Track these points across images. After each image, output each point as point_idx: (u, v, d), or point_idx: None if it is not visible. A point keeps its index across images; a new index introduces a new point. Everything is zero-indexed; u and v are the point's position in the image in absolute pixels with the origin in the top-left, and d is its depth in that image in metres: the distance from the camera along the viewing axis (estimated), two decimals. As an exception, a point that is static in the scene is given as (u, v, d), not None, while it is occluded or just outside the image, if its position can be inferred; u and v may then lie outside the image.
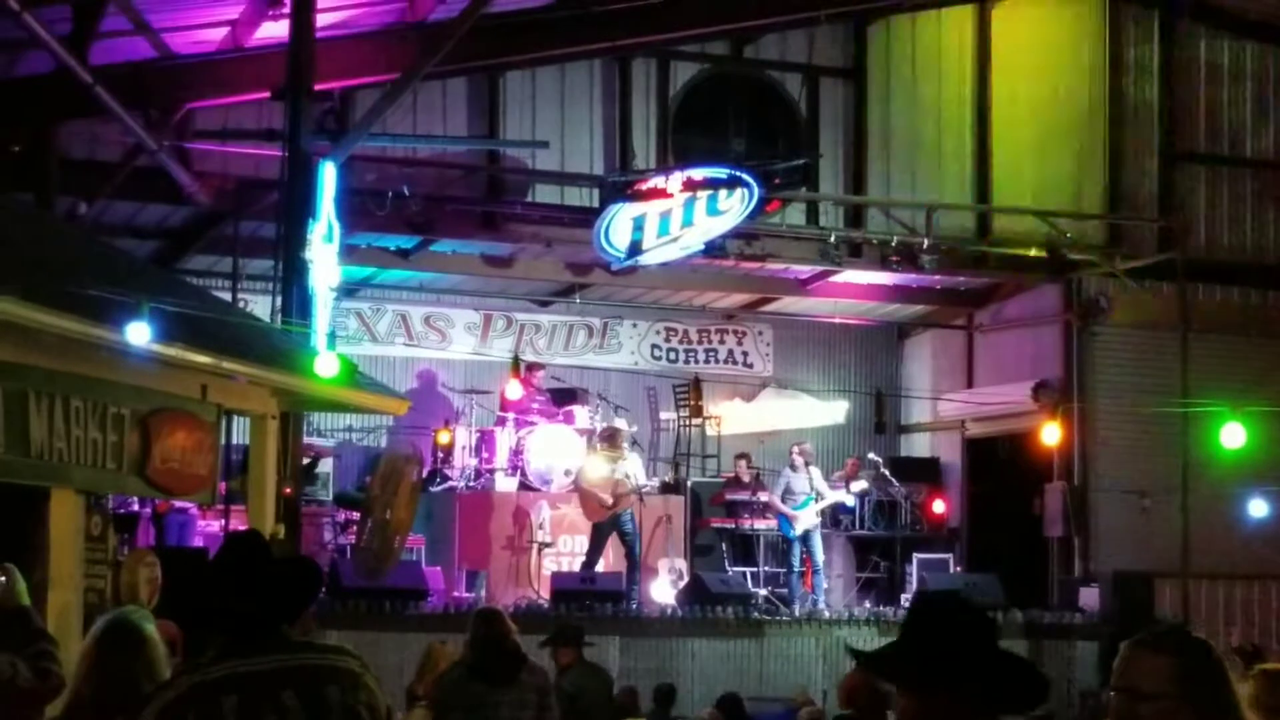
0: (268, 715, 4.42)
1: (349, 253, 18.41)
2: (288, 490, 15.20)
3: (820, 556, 20.93)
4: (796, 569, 20.79)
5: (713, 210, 19.81)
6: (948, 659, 3.70)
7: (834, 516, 22.18)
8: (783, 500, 20.82)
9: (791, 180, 21.78)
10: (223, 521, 16.73)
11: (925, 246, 21.13)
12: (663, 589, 20.21)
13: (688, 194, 19.74)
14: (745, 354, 24.97)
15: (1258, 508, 20.69)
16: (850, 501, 21.84)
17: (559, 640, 13.59)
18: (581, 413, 21.59)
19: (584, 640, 13.83)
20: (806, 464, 21.11)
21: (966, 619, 3.79)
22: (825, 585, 21.15)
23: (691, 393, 23.39)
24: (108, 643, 5.74)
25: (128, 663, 5.65)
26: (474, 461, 21.06)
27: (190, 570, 5.49)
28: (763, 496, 21.79)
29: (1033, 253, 21.99)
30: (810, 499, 20.80)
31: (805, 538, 20.79)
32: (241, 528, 14.64)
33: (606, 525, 19.71)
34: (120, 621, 5.83)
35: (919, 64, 22.91)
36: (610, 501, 19.56)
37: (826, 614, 20.08)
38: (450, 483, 20.97)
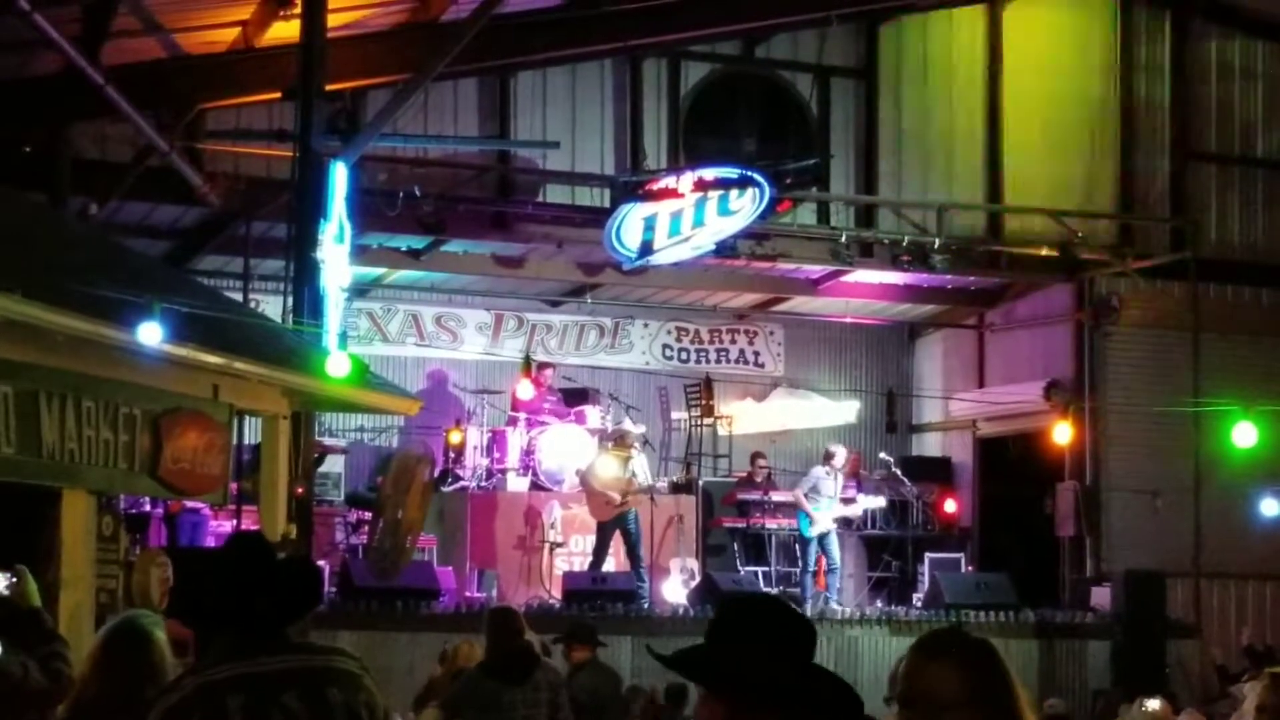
0: (273, 716, 4.43)
1: (360, 253, 18.42)
2: (300, 490, 15.21)
3: (837, 557, 20.93)
4: (810, 568, 20.79)
5: (724, 210, 19.80)
6: (762, 665, 3.52)
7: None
8: (807, 497, 20.82)
9: (802, 180, 21.79)
10: (235, 522, 16.75)
11: (936, 246, 21.11)
12: (674, 589, 20.21)
13: (699, 194, 19.73)
14: (756, 354, 24.96)
15: (1269, 507, 20.66)
16: (869, 504, 21.75)
17: (574, 638, 13.60)
18: (593, 413, 21.60)
19: (598, 639, 13.85)
20: (841, 469, 21.10)
21: (785, 624, 3.62)
22: (838, 585, 21.15)
23: (703, 392, 23.41)
24: (114, 645, 5.73)
25: (132, 665, 5.63)
26: (485, 461, 21.06)
27: (195, 571, 5.45)
28: (775, 496, 21.79)
29: (1044, 252, 21.96)
30: (832, 503, 20.80)
31: (822, 539, 20.79)
32: (252, 528, 14.67)
33: (611, 524, 19.74)
34: (129, 624, 5.81)
35: (930, 64, 22.90)
36: (619, 500, 19.59)
37: (838, 613, 20.07)
38: (462, 483, 20.98)
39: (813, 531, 20.69)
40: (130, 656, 5.66)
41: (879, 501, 21.75)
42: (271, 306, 18.93)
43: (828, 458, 21.19)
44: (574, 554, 20.41)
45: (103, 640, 5.77)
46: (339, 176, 16.14)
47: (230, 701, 4.40)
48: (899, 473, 22.58)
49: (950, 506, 23.37)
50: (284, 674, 4.48)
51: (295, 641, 4.63)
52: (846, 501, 21.21)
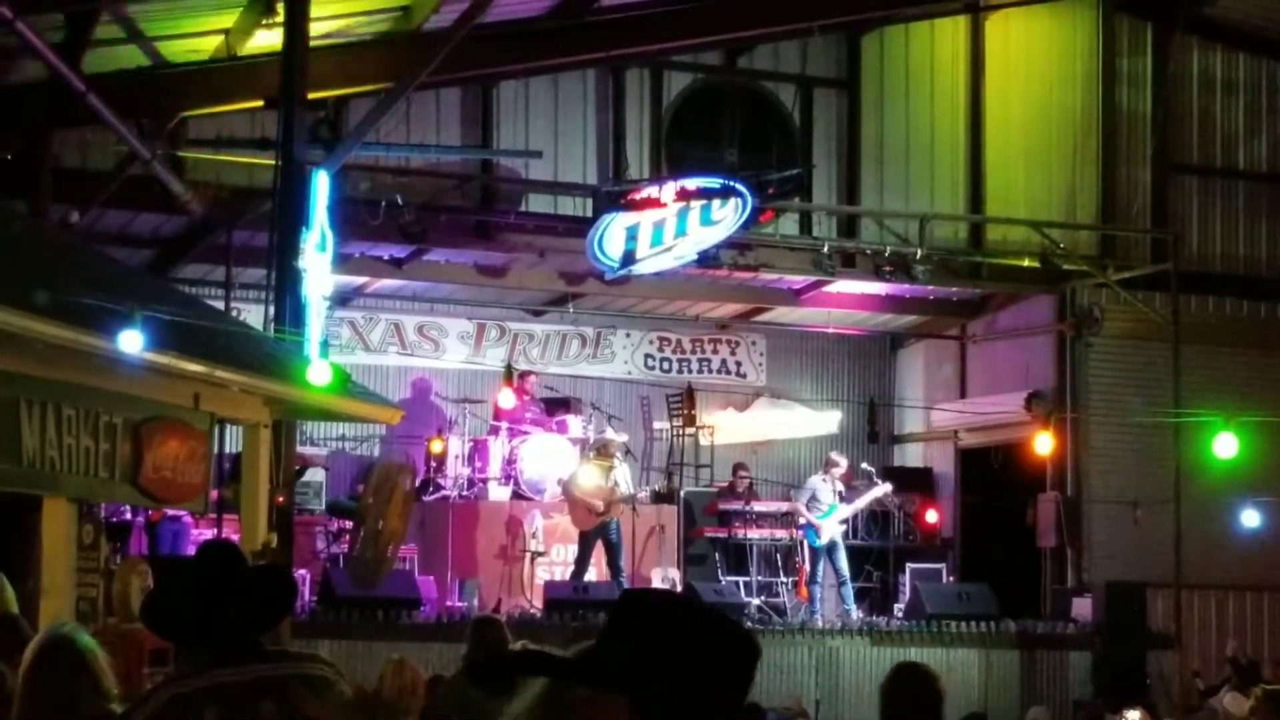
0: (248, 726, 4.41)
1: (342, 262, 18.40)
2: (280, 499, 15.18)
3: (845, 569, 20.87)
4: (819, 579, 20.78)
5: (706, 220, 19.82)
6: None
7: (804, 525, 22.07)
8: (807, 507, 20.81)
9: (785, 190, 21.80)
10: (215, 530, 16.72)
11: (918, 257, 21.15)
12: (656, 599, 20.16)
13: (681, 204, 19.74)
14: (738, 364, 24.98)
15: (1250, 518, 20.71)
16: (876, 493, 21.57)
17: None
18: (575, 422, 21.60)
19: None
20: (841, 475, 21.10)
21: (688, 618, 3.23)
22: (850, 595, 21.03)
23: (685, 402, 23.40)
24: (44, 661, 5.43)
25: (67, 681, 5.43)
26: (467, 470, 21.06)
27: (167, 579, 5.22)
28: (756, 506, 21.81)
29: (1026, 263, 22.01)
30: (834, 508, 20.79)
31: (830, 550, 20.76)
32: (225, 536, 14.64)
33: (593, 533, 19.74)
34: (53, 637, 5.59)
35: (912, 75, 22.94)
36: (601, 509, 19.59)
37: (820, 624, 20.07)
38: (443, 492, 20.97)
39: (821, 541, 20.68)
40: (64, 671, 5.39)
41: (885, 488, 21.65)
42: (253, 315, 18.89)
43: (829, 465, 21.16)
44: (555, 563, 20.41)
45: (33, 657, 5.47)
46: (321, 185, 16.11)
47: (205, 713, 4.38)
48: (880, 482, 22.57)
49: (932, 517, 23.38)
50: (258, 683, 4.47)
51: (269, 650, 4.61)
52: (848, 499, 21.17)
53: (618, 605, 3.29)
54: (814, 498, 20.86)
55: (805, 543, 21.05)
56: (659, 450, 23.75)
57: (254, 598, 4.59)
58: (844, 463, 21.29)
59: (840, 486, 21.12)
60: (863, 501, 21.44)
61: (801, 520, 20.99)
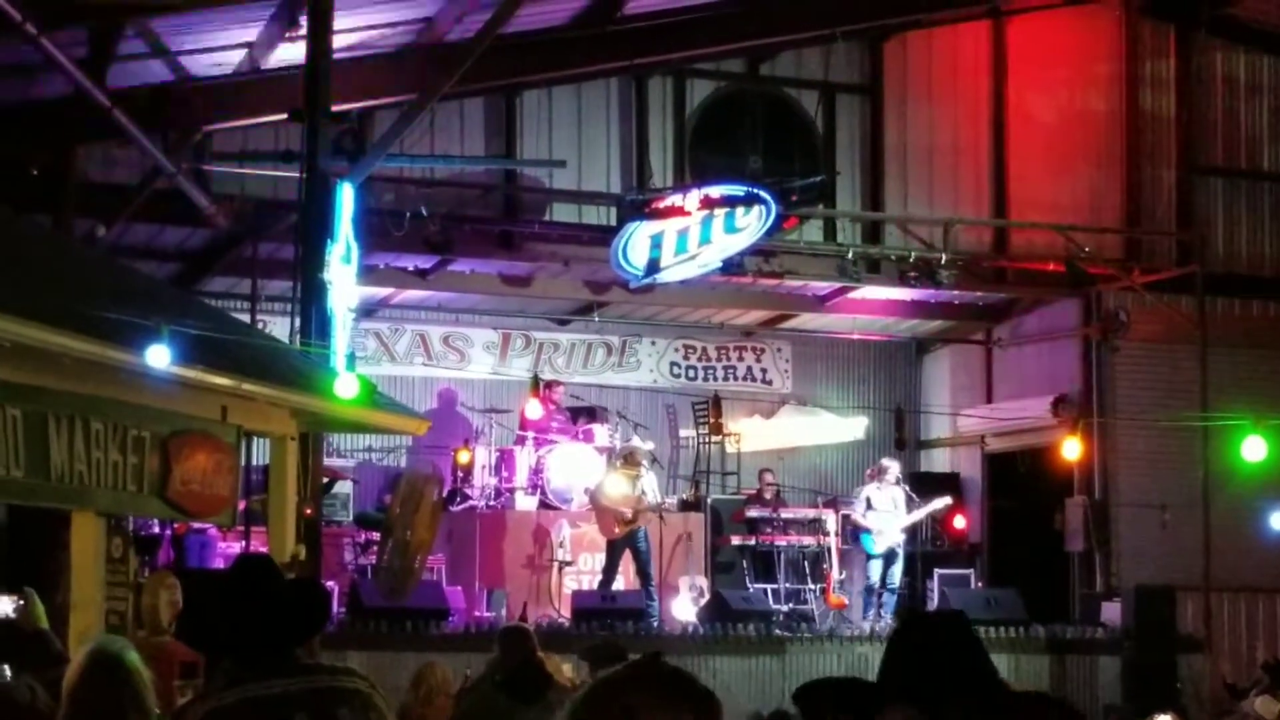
0: (284, 739, 4.42)
1: (367, 273, 18.43)
2: (308, 511, 15.20)
3: (898, 579, 20.81)
4: (873, 584, 20.73)
5: (730, 228, 19.81)
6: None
7: (854, 532, 22.09)
8: (864, 515, 20.76)
9: (809, 197, 21.77)
10: (243, 543, 16.74)
11: (943, 262, 21.09)
12: (684, 606, 20.19)
13: (705, 212, 19.74)
14: (764, 371, 24.95)
15: (1279, 520, 20.62)
16: (934, 507, 21.59)
17: (601, 657, 13.56)
18: (601, 431, 21.59)
19: (625, 659, 13.78)
20: (895, 481, 21.01)
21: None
22: (892, 604, 20.95)
23: (711, 410, 23.36)
24: (92, 676, 5.48)
25: (113, 695, 5.45)
26: (494, 480, 21.05)
27: (202, 594, 5.23)
28: (783, 513, 21.79)
29: (1051, 267, 21.97)
30: (894, 515, 20.69)
31: (890, 557, 20.70)
32: (259, 549, 14.67)
33: (621, 542, 19.73)
34: (102, 653, 5.59)
35: (935, 79, 22.91)
36: (629, 517, 19.58)
37: (848, 631, 20.03)
38: (470, 502, 20.97)
39: (878, 549, 20.63)
40: (110, 686, 5.41)
41: (944, 501, 21.66)
42: (279, 327, 18.91)
43: (880, 472, 21.09)
44: (583, 573, 20.39)
45: (80, 672, 5.51)
46: (346, 197, 16.14)
47: (240, 726, 4.39)
48: (908, 488, 22.51)
49: (959, 522, 23.28)
50: (293, 695, 4.47)
51: (304, 662, 4.61)
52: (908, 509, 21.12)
53: (905, 628, 3.96)
54: (870, 505, 20.81)
55: (861, 550, 20.97)
56: (685, 458, 23.73)
57: (289, 611, 4.59)
58: (896, 466, 21.27)
59: (898, 492, 21.01)
60: (921, 514, 21.35)
61: (859, 529, 20.91)
